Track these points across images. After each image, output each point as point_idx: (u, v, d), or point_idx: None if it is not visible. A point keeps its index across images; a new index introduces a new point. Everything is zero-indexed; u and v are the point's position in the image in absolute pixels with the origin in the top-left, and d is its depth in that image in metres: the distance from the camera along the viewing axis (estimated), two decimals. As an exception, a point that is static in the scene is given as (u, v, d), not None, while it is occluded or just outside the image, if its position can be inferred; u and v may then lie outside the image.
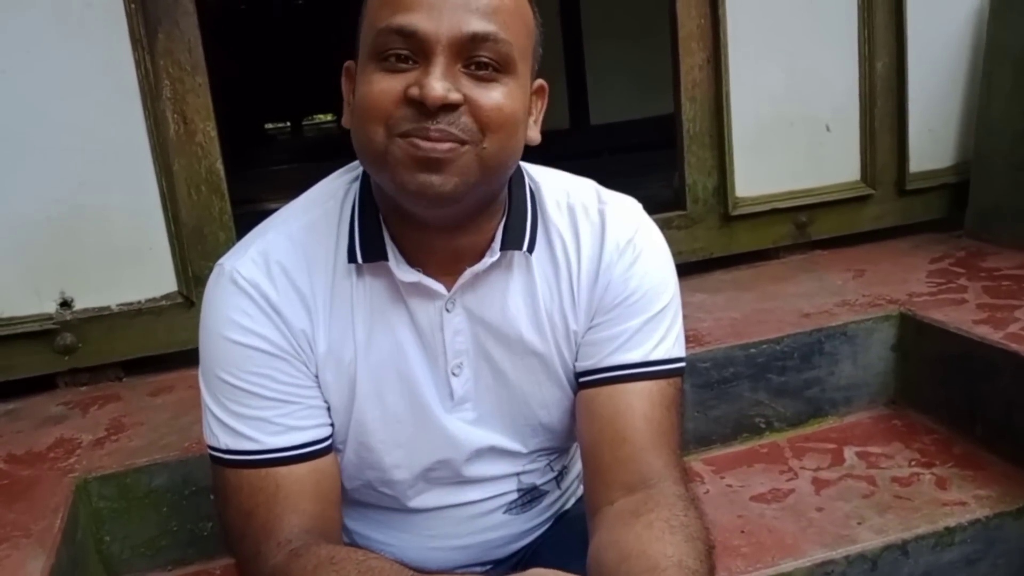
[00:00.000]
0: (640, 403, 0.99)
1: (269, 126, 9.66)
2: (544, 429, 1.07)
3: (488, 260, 0.97)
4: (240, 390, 0.93)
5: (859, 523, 1.54)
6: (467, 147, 0.86)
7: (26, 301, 1.86)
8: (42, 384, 1.92)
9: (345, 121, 0.93)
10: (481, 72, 0.86)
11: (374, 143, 0.86)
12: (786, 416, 1.87)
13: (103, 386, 1.94)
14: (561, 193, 1.04)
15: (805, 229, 2.31)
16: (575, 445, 1.14)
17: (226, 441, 0.94)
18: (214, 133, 1.90)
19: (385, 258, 0.95)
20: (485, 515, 1.09)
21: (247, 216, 1.87)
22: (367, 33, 0.88)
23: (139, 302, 1.91)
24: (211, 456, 0.97)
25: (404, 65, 0.85)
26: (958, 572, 1.54)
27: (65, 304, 1.88)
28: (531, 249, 1.00)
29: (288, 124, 9.96)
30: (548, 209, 1.02)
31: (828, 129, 2.27)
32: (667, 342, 1.02)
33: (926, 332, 1.84)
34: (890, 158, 2.33)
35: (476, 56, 0.85)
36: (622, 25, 4.29)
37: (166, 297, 1.92)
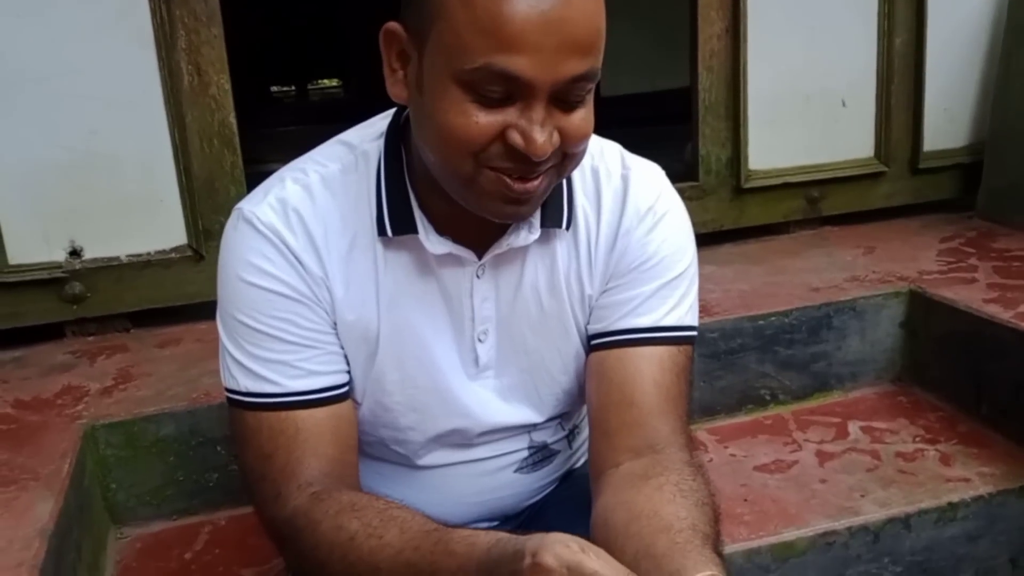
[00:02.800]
0: (650, 368, 0.99)
1: (275, 88, 9.61)
2: (562, 392, 1.07)
3: (528, 237, 0.96)
4: (261, 333, 0.93)
5: (862, 496, 1.55)
6: (552, 170, 0.86)
7: (35, 249, 1.86)
8: (50, 332, 1.92)
9: (394, 92, 0.89)
10: (572, 100, 0.82)
11: (460, 171, 0.84)
12: (791, 389, 1.88)
13: (110, 336, 1.94)
14: (587, 156, 1.02)
15: (817, 204, 2.30)
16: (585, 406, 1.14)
17: (246, 384, 0.94)
18: (228, 86, 1.88)
19: (415, 230, 0.94)
20: (495, 473, 1.09)
21: (251, 176, 1.87)
22: (451, 48, 0.79)
23: (148, 254, 1.91)
24: (229, 399, 0.96)
25: (497, 97, 0.80)
26: (959, 547, 1.55)
27: (74, 253, 1.88)
28: (569, 226, 0.99)
29: (293, 88, 9.91)
30: (573, 173, 1.01)
31: (844, 104, 2.26)
32: (680, 309, 1.02)
33: (935, 310, 1.84)
34: (904, 136, 2.32)
35: (572, 93, 0.81)
36: (637, -3, 4.26)
37: (175, 250, 1.92)
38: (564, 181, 0.98)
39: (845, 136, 2.29)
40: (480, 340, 1.02)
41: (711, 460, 1.69)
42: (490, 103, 0.80)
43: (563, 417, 1.11)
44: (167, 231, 1.91)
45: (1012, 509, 1.56)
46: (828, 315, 1.86)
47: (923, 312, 1.87)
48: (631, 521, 0.85)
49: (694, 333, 1.04)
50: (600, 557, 0.71)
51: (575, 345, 1.04)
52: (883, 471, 1.62)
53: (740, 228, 2.30)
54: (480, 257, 0.97)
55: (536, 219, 0.96)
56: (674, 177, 2.25)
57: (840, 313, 1.87)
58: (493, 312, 1.01)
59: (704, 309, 1.86)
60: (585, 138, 0.86)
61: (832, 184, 2.30)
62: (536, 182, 0.85)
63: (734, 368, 1.83)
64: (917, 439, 1.71)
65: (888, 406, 1.85)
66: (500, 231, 0.96)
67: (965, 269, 1.98)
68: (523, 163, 0.82)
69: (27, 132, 1.80)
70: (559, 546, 0.71)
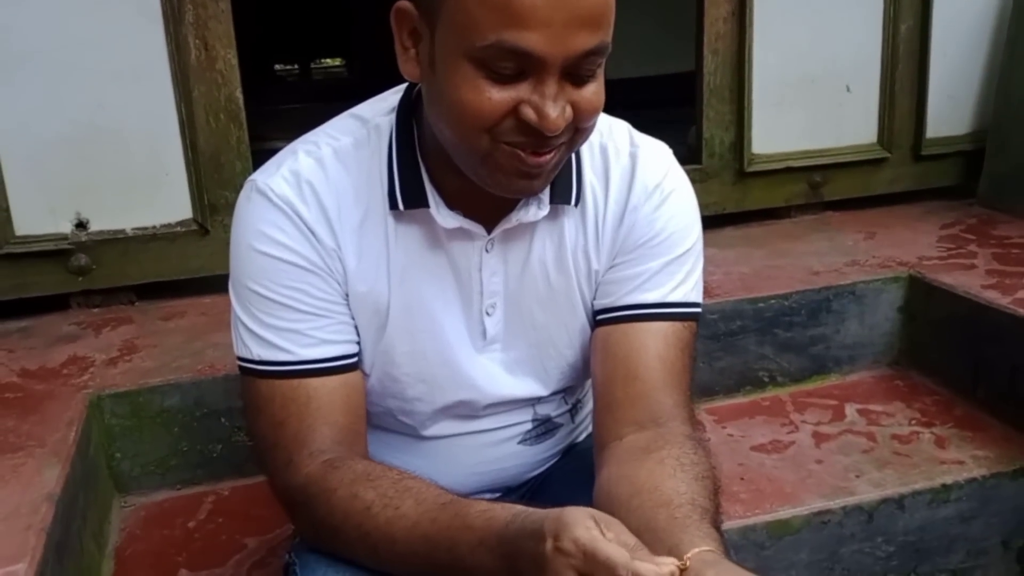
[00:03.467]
0: (655, 343, 1.00)
1: (278, 67, 9.60)
2: (568, 367, 1.09)
3: (538, 213, 0.97)
4: (273, 302, 0.94)
5: (857, 476, 1.57)
6: (564, 147, 0.88)
7: (42, 220, 1.87)
8: (55, 304, 1.94)
9: (407, 71, 0.90)
10: (584, 75, 0.83)
11: (475, 146, 0.85)
12: (790, 371, 1.89)
13: (115, 309, 1.95)
14: (595, 134, 1.03)
15: (819, 189, 2.32)
16: (589, 380, 1.15)
17: (259, 352, 0.96)
18: (235, 61, 1.89)
19: (426, 204, 0.96)
20: (499, 444, 1.11)
21: (254, 154, 1.88)
22: (463, 26, 0.80)
23: (154, 227, 1.92)
24: (241, 368, 0.98)
25: (509, 74, 0.81)
26: (953, 528, 1.57)
27: (80, 225, 1.89)
28: (577, 203, 1.00)
29: (297, 66, 9.90)
30: (582, 150, 1.02)
31: (848, 90, 2.27)
32: (686, 286, 1.03)
33: (934, 294, 1.85)
34: (908, 122, 2.33)
35: (583, 68, 0.82)
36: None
37: (181, 224, 1.93)
38: (573, 158, 1.00)
39: (848, 121, 2.30)
40: (488, 313, 1.03)
41: (709, 440, 1.70)
42: (503, 79, 0.81)
43: (567, 391, 1.13)
44: (173, 205, 1.92)
45: (1005, 491, 1.59)
46: (828, 299, 1.88)
47: (922, 297, 1.89)
48: (633, 495, 0.87)
49: (699, 310, 1.06)
50: (612, 529, 0.73)
51: (581, 320, 1.06)
52: (878, 452, 1.64)
53: (742, 211, 2.32)
54: (489, 232, 0.98)
55: (545, 195, 0.98)
56: (678, 160, 2.25)
57: (839, 297, 1.89)
58: (501, 286, 1.03)
59: (705, 291, 1.85)
60: (597, 112, 0.87)
61: (835, 169, 2.31)
62: (549, 155, 0.86)
63: (733, 350, 1.85)
64: (913, 422, 1.73)
65: (885, 389, 1.87)
66: (510, 206, 0.97)
67: (964, 255, 1.99)
68: (537, 137, 0.84)
69: (34, 105, 1.80)
70: (579, 529, 0.72)
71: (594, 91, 0.85)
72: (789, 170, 2.27)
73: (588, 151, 1.02)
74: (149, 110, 1.86)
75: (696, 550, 0.76)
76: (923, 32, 2.26)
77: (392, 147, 0.97)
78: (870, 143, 2.32)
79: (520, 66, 0.81)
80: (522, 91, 0.82)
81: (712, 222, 2.29)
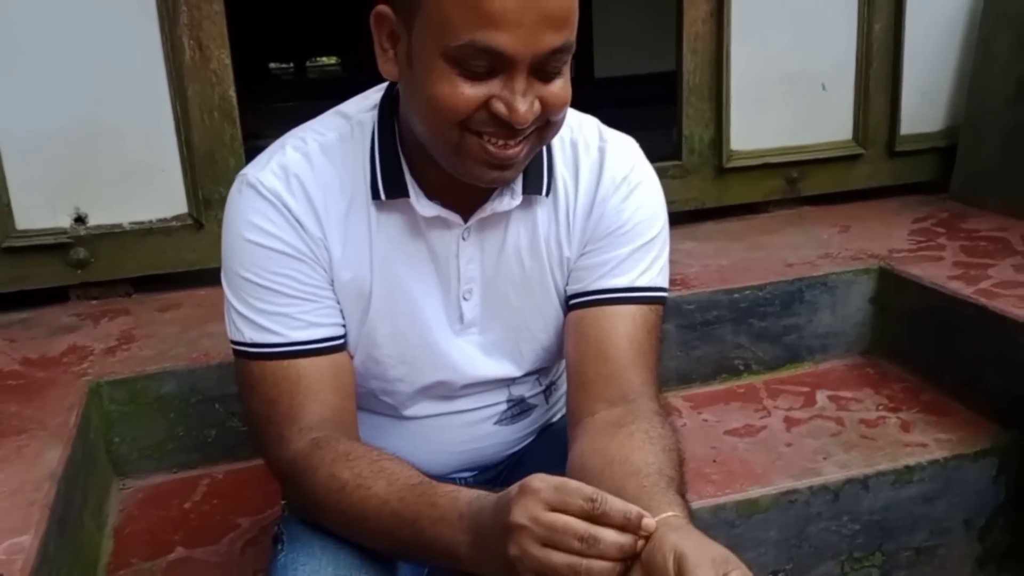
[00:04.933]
0: (624, 325, 1.07)
1: (273, 65, 9.65)
2: (542, 349, 1.15)
3: (511, 202, 1.04)
4: (264, 288, 1.01)
5: (825, 458, 1.64)
6: (533, 138, 0.94)
7: (41, 215, 1.93)
8: (55, 296, 2.00)
9: (386, 70, 0.97)
10: (551, 71, 0.90)
11: (447, 138, 0.92)
12: (764, 360, 1.96)
13: (113, 300, 2.02)
14: (565, 129, 1.10)
15: (796, 185, 2.39)
16: (563, 362, 1.22)
17: (250, 335, 1.02)
18: (228, 61, 1.95)
19: (406, 194, 1.02)
20: (476, 424, 1.18)
21: (250, 150, 1.94)
22: (438, 26, 0.87)
23: (150, 221, 1.99)
24: (235, 351, 1.04)
25: (481, 71, 0.88)
26: (916, 508, 1.64)
27: (79, 220, 1.95)
28: (548, 193, 1.07)
29: (292, 64, 9.95)
30: (553, 145, 1.09)
31: (824, 88, 2.34)
32: (652, 271, 1.10)
33: (903, 286, 1.93)
34: (882, 119, 2.40)
35: (550, 64, 0.89)
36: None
37: (176, 218, 2.00)
38: (544, 152, 1.06)
39: (825, 119, 2.37)
40: (465, 298, 1.10)
41: (684, 424, 1.78)
42: (475, 76, 0.88)
43: (541, 373, 1.20)
44: (168, 200, 1.98)
45: (967, 473, 1.66)
46: (801, 290, 1.95)
47: (892, 288, 1.96)
48: (605, 467, 0.93)
49: (665, 294, 1.12)
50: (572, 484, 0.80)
51: (554, 304, 1.12)
52: (846, 436, 1.71)
53: (722, 206, 2.38)
54: (466, 220, 1.05)
55: (518, 185, 1.04)
56: (660, 156, 2.33)
57: (812, 288, 1.96)
58: (478, 272, 1.09)
59: (683, 282, 1.95)
60: (564, 106, 0.94)
61: (811, 165, 2.38)
62: (517, 148, 0.93)
63: (710, 339, 1.92)
64: (880, 407, 1.80)
65: (855, 376, 1.94)
66: (485, 196, 1.04)
67: (934, 248, 2.06)
68: (507, 129, 0.90)
69: (34, 102, 1.87)
70: (543, 474, 0.80)
71: (561, 86, 0.92)
72: (767, 166, 2.34)
73: (559, 145, 1.09)
74: (146, 108, 1.92)
75: (663, 515, 0.82)
76: (896, 32, 2.33)
77: (374, 141, 1.04)
78: (846, 140, 2.39)
79: (492, 64, 0.87)
80: (493, 87, 0.89)
81: (692, 216, 2.37)
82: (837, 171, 2.41)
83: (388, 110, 1.04)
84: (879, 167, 2.44)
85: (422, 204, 1.03)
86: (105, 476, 1.61)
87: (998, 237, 2.09)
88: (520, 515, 0.78)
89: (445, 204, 1.04)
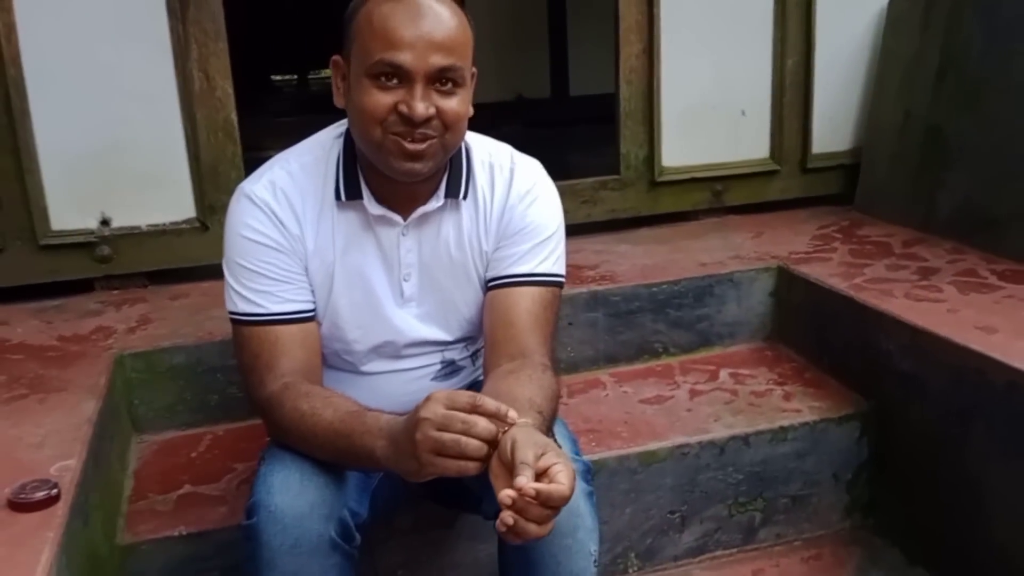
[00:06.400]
0: (524, 301, 1.44)
1: (276, 78, 9.99)
2: (465, 321, 1.52)
3: (435, 204, 1.41)
4: (252, 272, 1.37)
5: (715, 420, 1.99)
6: (436, 140, 1.31)
7: (72, 218, 2.30)
8: (82, 287, 2.36)
9: (338, 102, 1.36)
10: (445, 88, 1.29)
11: (372, 137, 1.30)
12: (680, 343, 2.31)
13: (132, 291, 2.38)
14: (485, 154, 1.48)
15: (720, 196, 2.75)
16: (485, 332, 1.58)
17: (242, 307, 1.38)
18: (231, 90, 2.32)
19: (360, 197, 1.40)
20: (417, 380, 1.53)
21: (250, 161, 2.29)
22: (362, 55, 1.27)
23: (164, 224, 2.35)
24: (231, 319, 1.40)
25: (392, 84, 1.27)
26: (790, 462, 1.98)
27: (104, 222, 2.32)
28: (465, 197, 1.44)
29: (295, 77, 10.29)
30: (475, 166, 1.46)
31: (744, 114, 2.70)
32: (548, 262, 1.46)
33: (795, 282, 2.28)
34: (796, 141, 2.76)
35: (442, 79, 1.28)
36: (605, 1, 4.67)
37: (186, 221, 2.36)
38: (464, 168, 1.44)
39: (745, 140, 2.73)
40: (405, 279, 1.46)
41: (607, 395, 2.13)
42: (386, 87, 1.28)
43: (468, 340, 1.56)
44: (179, 206, 2.35)
45: (833, 435, 2.00)
46: (711, 285, 2.30)
47: (787, 284, 2.31)
48: (496, 398, 1.27)
49: (560, 279, 1.48)
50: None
51: (475, 286, 1.49)
52: (737, 404, 2.05)
53: (656, 215, 2.74)
54: (405, 220, 1.42)
55: (441, 192, 1.42)
56: (605, 170, 2.70)
57: (720, 284, 2.31)
58: (415, 260, 1.46)
59: (611, 277, 2.31)
60: (459, 118, 1.32)
61: (733, 180, 2.74)
62: (424, 145, 1.30)
63: (633, 325, 2.27)
64: (770, 382, 2.15)
65: (756, 358, 2.29)
66: (420, 202, 1.41)
67: (827, 251, 2.42)
68: (411, 126, 1.28)
69: (67, 124, 2.23)
70: (443, 391, 1.15)
71: (457, 103, 1.31)
72: (694, 180, 2.71)
73: (479, 166, 1.46)
74: (161, 128, 2.29)
75: (520, 420, 1.17)
76: (807, 66, 2.69)
77: (340, 158, 1.41)
78: (763, 158, 2.76)
79: (397, 76, 1.27)
80: (400, 95, 1.28)
81: (629, 223, 2.73)
82: (756, 185, 2.77)
83: (349, 136, 1.41)
84: (793, 182, 2.80)
85: (372, 205, 1.40)
86: (127, 431, 1.97)
87: (883, 242, 2.45)
88: (425, 411, 1.12)
89: (389, 207, 1.41)
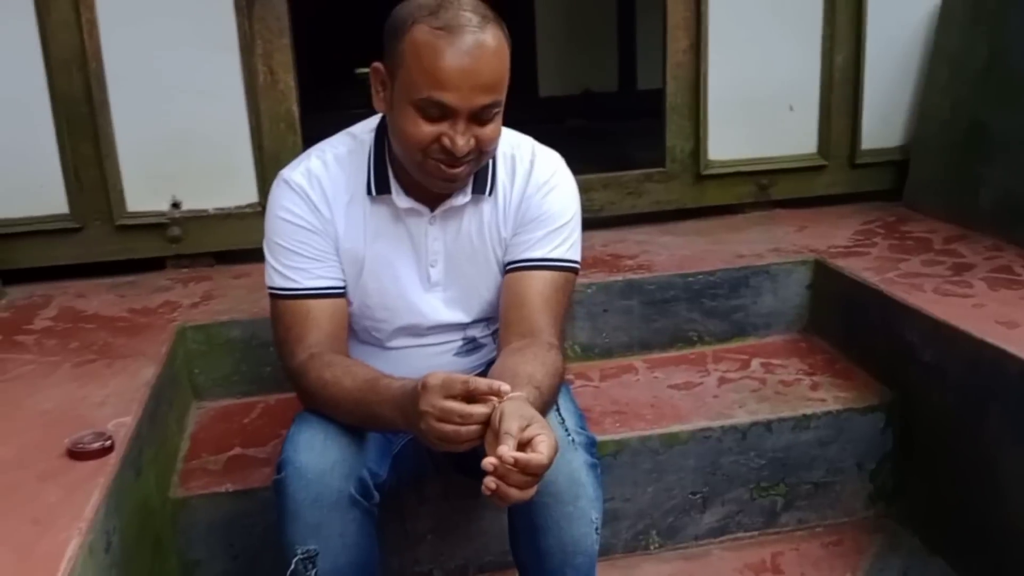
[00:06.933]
0: (537, 283, 1.53)
1: (360, 70, 10.27)
2: (486, 303, 1.62)
3: (462, 200, 1.52)
4: (288, 251, 1.50)
5: (740, 407, 2.04)
6: (472, 162, 1.42)
7: (147, 201, 2.48)
8: (154, 265, 2.55)
9: (377, 106, 1.45)
10: (484, 117, 1.37)
11: (414, 159, 1.39)
12: (715, 332, 2.37)
13: (199, 269, 2.55)
14: (507, 147, 1.57)
15: (766, 190, 2.78)
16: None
17: (279, 282, 1.51)
18: (293, 83, 2.47)
19: (390, 192, 1.51)
20: (439, 355, 1.64)
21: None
22: (408, 84, 1.33)
23: (229, 208, 2.52)
24: (269, 293, 1.54)
25: (435, 115, 1.34)
26: (813, 449, 2.03)
27: (175, 205, 2.49)
28: (490, 194, 1.54)
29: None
30: (498, 159, 1.56)
31: (791, 109, 2.73)
32: (562, 248, 1.55)
33: (830, 275, 2.32)
34: (844, 136, 2.77)
35: (483, 114, 1.36)
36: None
37: (249, 206, 2.52)
38: (490, 164, 1.53)
39: (792, 135, 2.75)
40: (432, 266, 1.57)
41: (638, 380, 2.21)
42: (431, 119, 1.36)
43: (488, 320, 1.66)
44: (243, 191, 2.51)
45: (857, 424, 2.04)
46: (746, 276, 2.35)
47: (823, 277, 2.35)
48: (501, 375, 1.35)
49: (573, 264, 1.57)
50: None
51: (495, 271, 1.59)
52: (763, 392, 2.11)
53: (703, 207, 2.79)
54: (432, 211, 1.53)
55: (468, 188, 1.52)
56: (637, 163, 2.78)
57: (756, 275, 2.36)
58: (441, 248, 1.56)
59: (647, 267, 2.39)
60: (493, 142, 1.42)
61: (780, 174, 2.77)
62: (459, 169, 1.40)
63: (667, 314, 2.34)
64: (799, 372, 2.20)
65: (789, 349, 2.34)
66: (446, 195, 1.52)
67: (866, 245, 2.44)
68: (451, 156, 1.38)
69: (143, 115, 2.41)
70: (437, 372, 1.26)
71: (492, 128, 1.40)
72: (739, 174, 2.75)
73: (502, 159, 1.56)
74: (227, 120, 2.45)
75: (514, 393, 1.27)
76: (856, 63, 2.70)
77: (371, 154, 1.53)
78: (810, 153, 2.78)
79: (442, 112, 1.35)
80: (443, 127, 1.36)
81: (675, 215, 2.79)
82: (803, 180, 2.80)
83: (381, 132, 1.53)
84: (841, 177, 2.81)
85: (401, 199, 1.51)
86: (187, 398, 2.14)
87: (924, 238, 2.46)
88: (424, 404, 1.22)
89: (417, 200, 1.52)
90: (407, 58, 1.34)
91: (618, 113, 4.71)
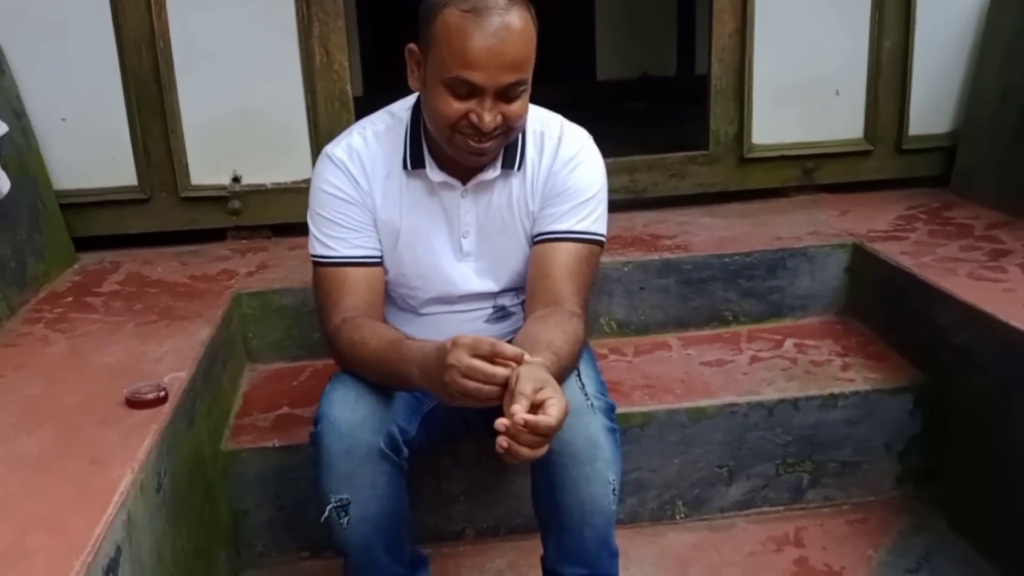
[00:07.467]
0: (561, 255, 1.61)
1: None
2: (515, 273, 1.70)
3: (492, 174, 1.60)
4: (329, 221, 1.60)
5: (769, 384, 2.09)
6: (500, 138, 1.50)
7: (209, 175, 2.62)
8: (216, 235, 2.69)
9: (413, 85, 1.53)
10: (511, 95, 1.45)
11: (444, 134, 1.48)
12: (751, 313, 2.41)
13: (257, 240, 2.69)
14: (537, 124, 1.65)
15: (811, 174, 2.80)
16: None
17: (320, 250, 1.62)
18: (347, 64, 2.58)
19: (424, 166, 1.60)
20: (471, 322, 1.72)
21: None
22: (439, 64, 1.41)
23: (286, 183, 2.64)
24: (312, 261, 1.64)
25: (464, 93, 1.43)
26: (840, 429, 2.06)
27: (235, 180, 2.63)
28: (519, 168, 1.62)
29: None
30: (527, 135, 1.64)
31: (837, 93, 2.74)
32: (587, 220, 1.62)
33: (868, 259, 2.34)
34: (891, 121, 2.77)
35: (509, 92, 1.44)
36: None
37: (305, 181, 2.59)
38: (519, 140, 1.61)
39: (838, 119, 2.76)
40: (464, 237, 1.66)
41: (671, 356, 2.27)
42: (460, 96, 1.44)
43: (517, 290, 1.73)
44: (299, 167, 2.62)
45: (886, 405, 2.06)
46: (783, 258, 2.39)
47: (861, 261, 2.37)
48: (523, 341, 1.44)
49: (597, 237, 1.63)
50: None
51: (523, 243, 1.67)
52: (794, 371, 2.14)
53: (749, 190, 2.83)
54: (464, 185, 1.62)
55: (498, 163, 1.60)
56: (692, 146, 2.83)
57: (794, 257, 2.39)
58: (473, 220, 1.65)
59: (684, 247, 2.44)
60: (520, 118, 1.49)
61: (825, 158, 2.79)
62: (487, 144, 1.49)
63: (703, 293, 2.38)
64: (832, 353, 2.23)
65: (824, 331, 2.36)
66: (478, 169, 1.60)
67: (907, 230, 2.45)
68: (479, 132, 1.46)
69: (206, 95, 2.55)
70: (466, 334, 1.34)
71: (519, 105, 1.47)
72: (784, 158, 2.77)
73: (531, 136, 1.63)
74: (285, 99, 2.57)
75: (532, 358, 1.35)
76: (905, 47, 2.70)
77: (407, 130, 1.62)
78: (857, 138, 2.79)
79: (470, 90, 1.43)
80: (471, 104, 1.44)
81: (719, 198, 2.82)
82: (849, 164, 2.81)
83: (417, 110, 1.62)
84: (887, 162, 2.81)
85: (435, 173, 1.60)
86: (241, 360, 2.27)
87: (966, 224, 2.46)
88: (452, 359, 1.30)
89: (450, 174, 1.61)
90: (438, 39, 1.43)
91: (676, 97, 4.72)
